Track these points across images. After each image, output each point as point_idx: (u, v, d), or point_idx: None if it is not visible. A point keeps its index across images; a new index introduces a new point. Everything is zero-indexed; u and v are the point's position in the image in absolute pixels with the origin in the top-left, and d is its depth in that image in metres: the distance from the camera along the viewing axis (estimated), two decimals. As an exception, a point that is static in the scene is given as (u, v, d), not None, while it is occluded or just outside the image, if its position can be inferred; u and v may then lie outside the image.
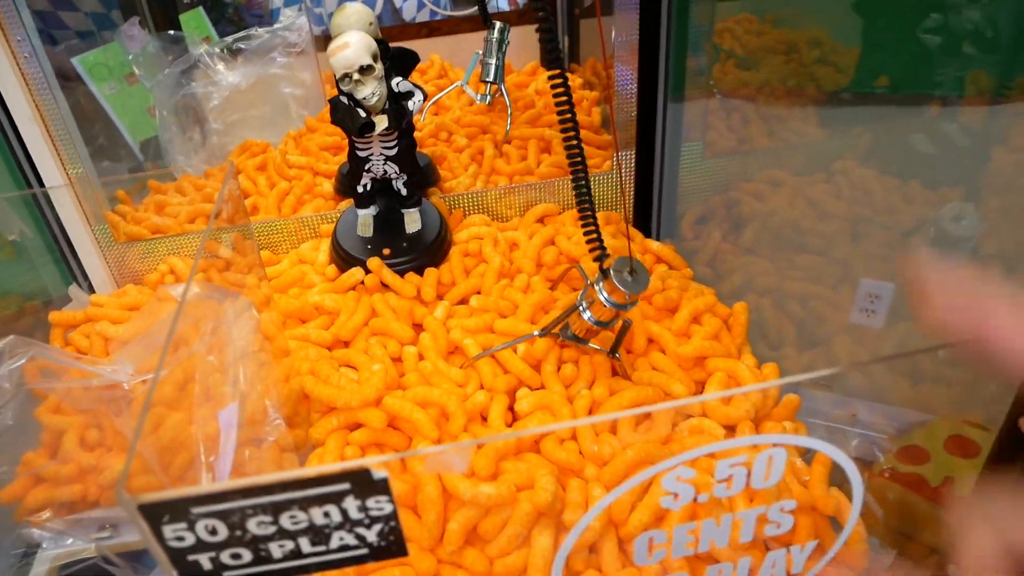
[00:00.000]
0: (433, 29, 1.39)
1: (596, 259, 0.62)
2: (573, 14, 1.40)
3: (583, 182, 0.60)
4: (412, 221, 0.87)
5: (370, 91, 0.77)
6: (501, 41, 1.08)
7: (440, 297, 0.82)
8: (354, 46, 0.76)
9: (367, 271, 0.82)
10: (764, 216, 0.95)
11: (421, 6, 1.45)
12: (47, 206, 0.89)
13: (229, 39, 1.24)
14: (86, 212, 0.91)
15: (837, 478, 0.57)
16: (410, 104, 0.80)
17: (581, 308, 0.65)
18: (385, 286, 0.82)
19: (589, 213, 0.61)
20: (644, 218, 0.99)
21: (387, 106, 0.79)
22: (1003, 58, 0.79)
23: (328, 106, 0.80)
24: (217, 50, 1.15)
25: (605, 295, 0.62)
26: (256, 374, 0.62)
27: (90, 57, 1.17)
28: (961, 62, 0.82)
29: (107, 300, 0.88)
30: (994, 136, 0.83)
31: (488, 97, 1.11)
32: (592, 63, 1.29)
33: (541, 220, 0.96)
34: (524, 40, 1.40)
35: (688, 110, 0.93)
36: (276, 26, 1.15)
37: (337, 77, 0.77)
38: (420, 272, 0.83)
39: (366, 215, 0.87)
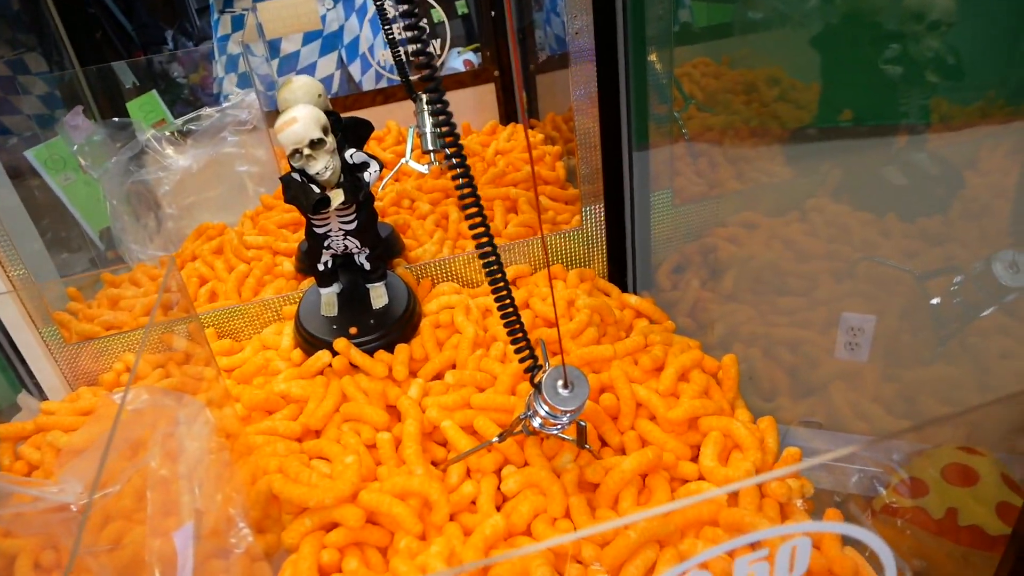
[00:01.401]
0: (388, 96, 1.37)
1: (526, 371, 0.58)
2: (528, 69, 1.39)
3: (502, 287, 0.55)
4: (378, 296, 0.83)
5: (322, 165, 0.73)
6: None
7: (414, 374, 0.78)
8: (302, 120, 0.72)
9: (334, 353, 0.77)
10: (742, 260, 0.93)
11: (379, 77, 1.43)
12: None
13: (179, 121, 1.21)
14: (32, 315, 0.86)
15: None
16: (366, 175, 0.77)
17: (531, 415, 0.60)
18: (354, 367, 0.77)
19: (515, 321, 0.56)
20: (619, 271, 0.95)
21: (342, 179, 0.76)
22: (965, 83, 0.78)
23: (280, 184, 0.76)
24: (166, 134, 1.12)
25: (545, 409, 0.58)
26: (217, 480, 0.57)
27: (43, 149, 1.13)
28: (924, 90, 0.81)
29: (59, 407, 0.82)
30: (965, 161, 0.82)
31: (432, 164, 1.07)
32: (552, 117, 1.28)
33: (513, 282, 0.92)
34: (482, 99, 1.39)
35: (654, 157, 0.91)
36: (225, 105, 1.12)
37: (287, 153, 0.74)
38: (390, 349, 0.79)
39: (329, 293, 0.83)
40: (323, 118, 0.74)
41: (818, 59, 0.91)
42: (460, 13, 1.57)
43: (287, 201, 0.76)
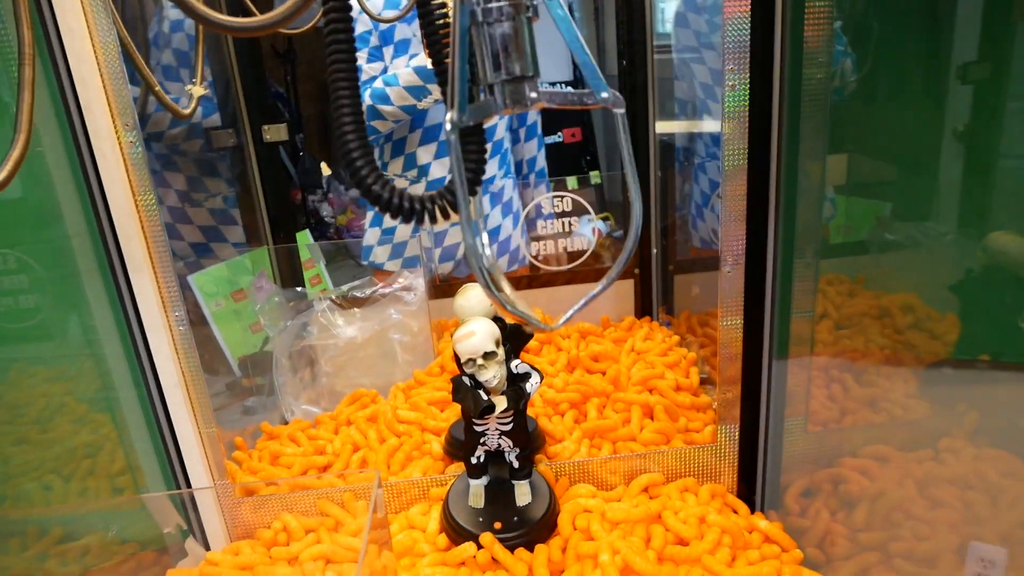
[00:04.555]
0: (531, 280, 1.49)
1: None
2: (668, 269, 1.47)
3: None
4: (523, 493, 0.89)
5: (492, 375, 0.82)
6: None
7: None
8: (480, 334, 0.82)
9: (479, 546, 0.83)
10: (873, 496, 0.94)
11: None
12: (179, 466, 0.95)
13: (345, 288, 1.35)
14: (211, 466, 0.97)
15: None
16: (528, 386, 0.85)
17: None
18: (495, 561, 0.83)
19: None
20: (748, 489, 0.98)
21: (506, 387, 0.84)
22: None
23: (451, 384, 0.85)
24: (337, 304, 1.25)
25: None
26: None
27: (203, 275, 1.28)
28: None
29: (221, 558, 0.91)
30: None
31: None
32: (687, 316, 1.35)
33: (645, 490, 0.96)
34: (619, 292, 1.48)
35: (791, 373, 0.95)
36: (395, 287, 1.25)
37: (462, 361, 0.83)
38: (530, 547, 0.84)
39: (478, 485, 0.90)
40: (497, 332, 0.84)
41: (960, 298, 0.95)
42: (593, 183, 1.69)
43: (455, 400, 0.85)
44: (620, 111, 0.56)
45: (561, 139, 3.69)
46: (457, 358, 0.85)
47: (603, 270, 1.48)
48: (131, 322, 0.88)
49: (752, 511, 0.96)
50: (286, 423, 1.23)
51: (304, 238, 1.60)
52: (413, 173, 1.50)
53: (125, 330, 0.88)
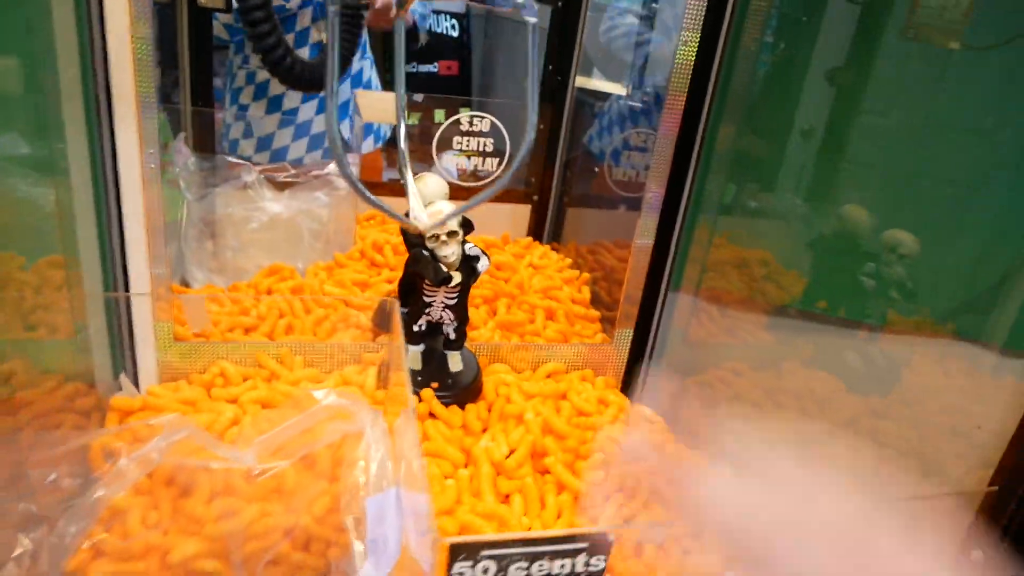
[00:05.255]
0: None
1: None
2: (562, 199, 1.63)
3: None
4: (455, 362, 1.01)
5: (451, 251, 0.93)
6: None
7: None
8: (446, 213, 0.93)
9: (420, 399, 0.95)
10: (729, 399, 1.16)
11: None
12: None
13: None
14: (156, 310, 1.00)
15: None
16: (479, 266, 0.97)
17: None
18: (432, 415, 0.95)
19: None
20: (629, 386, 1.17)
21: (460, 265, 0.95)
22: (913, 303, 1.05)
23: (410, 255, 0.95)
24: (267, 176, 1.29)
25: None
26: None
27: None
28: (886, 302, 1.08)
29: (162, 392, 0.96)
30: (902, 361, 1.07)
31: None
32: (575, 246, 1.52)
33: (550, 376, 1.12)
34: (516, 216, 1.62)
35: (680, 302, 1.14)
36: (330, 168, 1.30)
37: (427, 236, 0.93)
38: (461, 407, 0.97)
39: (416, 351, 1.01)
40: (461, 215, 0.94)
41: (810, 257, 1.19)
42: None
43: (412, 270, 0.95)
44: (533, 20, 0.67)
45: (436, 70, 3.70)
46: (408, 236, 0.95)
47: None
48: (104, 151, 0.89)
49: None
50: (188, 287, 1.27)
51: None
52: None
53: (98, 157, 0.89)
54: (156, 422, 0.75)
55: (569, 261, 1.47)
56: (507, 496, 0.86)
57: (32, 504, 0.79)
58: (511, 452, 0.90)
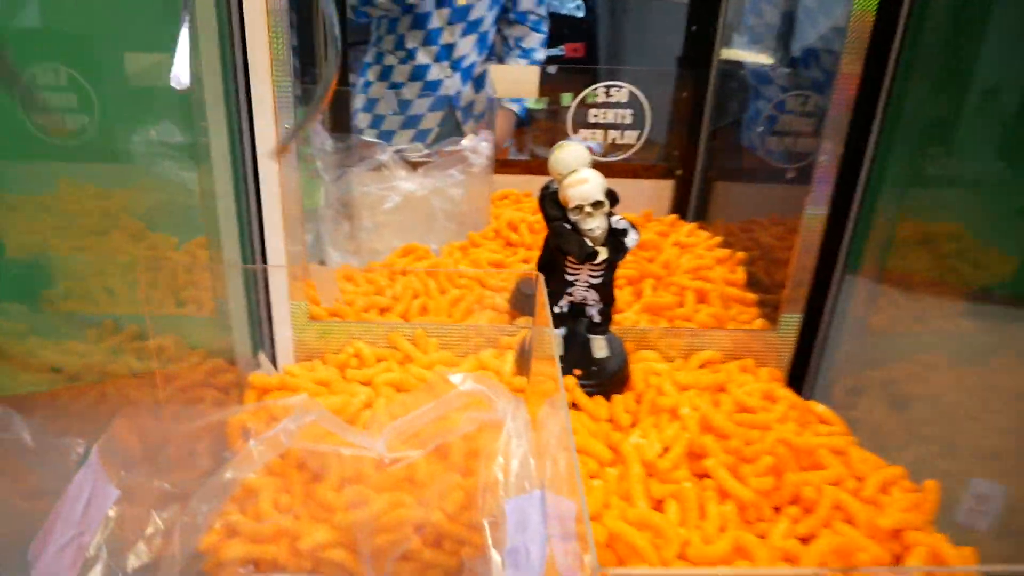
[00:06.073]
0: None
1: None
2: (707, 174, 1.50)
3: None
4: (600, 347, 0.92)
5: (596, 224, 0.84)
6: None
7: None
8: (592, 183, 0.83)
9: (561, 388, 0.86)
10: (923, 400, 0.99)
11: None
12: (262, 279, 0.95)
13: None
14: (292, 289, 0.97)
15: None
16: (627, 241, 0.87)
17: None
18: (574, 406, 0.86)
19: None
20: (797, 382, 1.03)
21: (606, 240, 0.86)
22: None
23: (551, 229, 0.86)
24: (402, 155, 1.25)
25: None
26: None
27: None
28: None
29: (299, 371, 0.92)
30: None
31: None
32: (723, 224, 1.38)
33: (704, 366, 1.00)
34: (659, 192, 1.50)
35: (860, 286, 0.99)
36: (463, 144, 1.24)
37: (569, 207, 0.84)
38: (606, 397, 0.87)
39: (556, 335, 0.92)
40: (606, 184, 0.85)
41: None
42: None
43: (554, 246, 0.87)
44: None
45: (563, 53, 3.60)
46: (548, 208, 0.86)
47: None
48: (242, 132, 0.87)
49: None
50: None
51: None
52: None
53: (236, 137, 0.87)
54: (287, 403, 0.70)
55: (719, 239, 1.33)
56: (660, 501, 0.76)
57: (166, 482, 0.77)
58: (664, 451, 0.80)
